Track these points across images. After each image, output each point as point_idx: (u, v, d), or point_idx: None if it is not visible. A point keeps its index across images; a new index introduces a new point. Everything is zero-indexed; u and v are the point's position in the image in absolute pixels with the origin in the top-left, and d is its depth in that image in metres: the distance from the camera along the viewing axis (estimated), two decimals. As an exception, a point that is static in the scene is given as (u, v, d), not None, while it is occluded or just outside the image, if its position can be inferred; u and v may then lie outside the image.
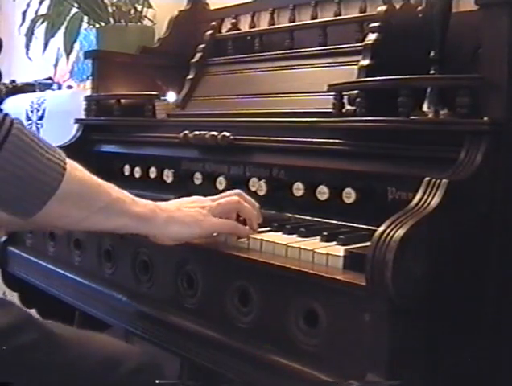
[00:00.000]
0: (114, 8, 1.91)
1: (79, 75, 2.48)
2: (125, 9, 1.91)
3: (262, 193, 1.16)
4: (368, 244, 0.77)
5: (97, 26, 1.95)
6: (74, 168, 0.83)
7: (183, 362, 1.26)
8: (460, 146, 0.87)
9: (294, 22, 1.55)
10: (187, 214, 0.92)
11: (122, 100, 1.57)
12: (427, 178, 0.82)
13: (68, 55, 2.05)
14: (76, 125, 1.65)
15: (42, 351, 0.92)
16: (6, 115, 0.78)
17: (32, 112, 2.22)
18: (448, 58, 1.07)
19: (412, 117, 0.97)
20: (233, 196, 0.98)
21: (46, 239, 1.42)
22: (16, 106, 2.36)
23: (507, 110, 0.87)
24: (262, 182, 1.16)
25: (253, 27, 1.66)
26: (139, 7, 1.93)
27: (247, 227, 0.98)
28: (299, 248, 0.88)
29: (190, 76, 1.56)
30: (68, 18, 1.99)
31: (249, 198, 1.00)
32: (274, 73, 1.39)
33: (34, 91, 2.46)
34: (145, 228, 0.89)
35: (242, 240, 0.96)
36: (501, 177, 0.87)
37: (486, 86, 0.89)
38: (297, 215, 1.11)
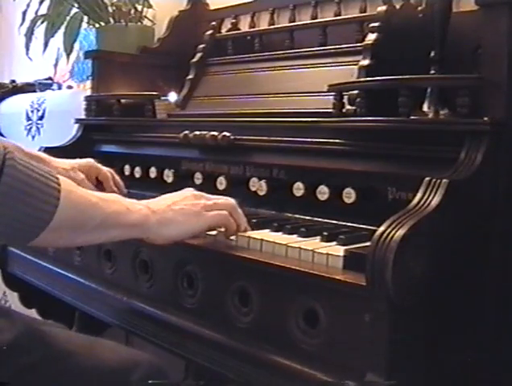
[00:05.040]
0: (114, 8, 1.91)
1: (79, 75, 2.47)
2: (125, 9, 1.90)
3: (262, 193, 1.16)
4: (368, 244, 0.77)
5: (97, 26, 1.95)
6: (68, 191, 0.82)
7: (188, 363, 1.25)
8: (461, 146, 0.87)
9: (294, 22, 1.55)
10: (180, 213, 0.92)
11: (122, 100, 1.57)
12: (427, 178, 0.82)
13: (68, 55, 2.05)
14: (76, 125, 1.65)
15: (47, 370, 0.93)
16: None
17: (32, 112, 2.22)
18: (448, 58, 1.07)
19: (412, 117, 0.97)
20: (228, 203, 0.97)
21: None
22: (16, 106, 2.36)
23: (507, 110, 0.87)
24: (262, 182, 1.16)
25: (254, 27, 1.66)
26: (139, 7, 1.92)
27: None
28: (299, 248, 0.88)
29: (190, 76, 1.56)
30: (68, 18, 1.99)
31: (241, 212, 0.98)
32: (274, 73, 1.39)
33: (34, 91, 2.46)
34: (138, 234, 0.90)
35: (232, 237, 0.97)
36: (501, 177, 0.87)
37: (486, 86, 0.89)
38: (297, 215, 1.11)
